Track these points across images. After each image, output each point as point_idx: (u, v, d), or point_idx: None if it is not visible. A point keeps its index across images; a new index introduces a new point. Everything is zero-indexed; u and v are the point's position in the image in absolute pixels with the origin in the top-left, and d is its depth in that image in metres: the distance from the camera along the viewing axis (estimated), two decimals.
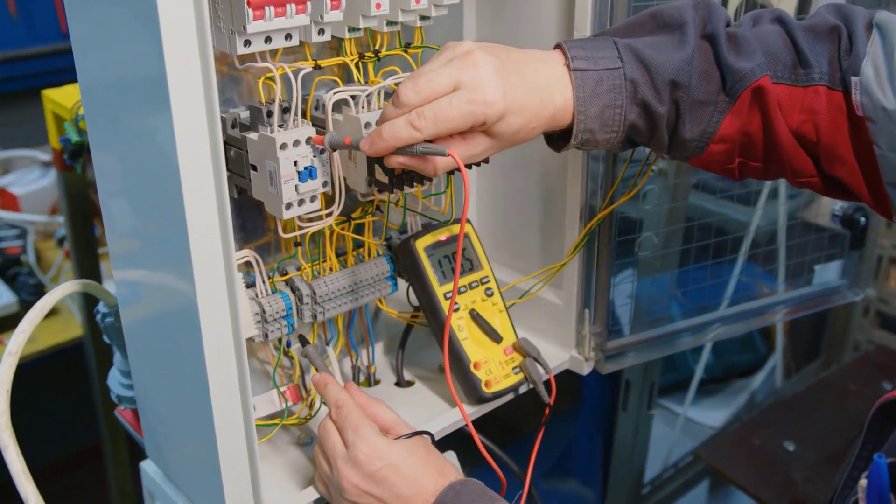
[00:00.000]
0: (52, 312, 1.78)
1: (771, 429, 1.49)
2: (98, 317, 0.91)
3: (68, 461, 2.18)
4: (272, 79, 0.73)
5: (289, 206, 0.74)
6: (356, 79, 0.81)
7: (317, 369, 0.83)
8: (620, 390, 1.58)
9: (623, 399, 1.57)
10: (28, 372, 1.71)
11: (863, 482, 0.52)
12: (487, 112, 0.66)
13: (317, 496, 0.79)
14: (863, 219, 1.18)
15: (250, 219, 0.84)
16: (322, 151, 0.75)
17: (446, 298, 0.88)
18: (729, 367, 2.17)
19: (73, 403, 1.95)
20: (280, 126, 0.74)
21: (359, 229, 0.89)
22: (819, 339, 2.16)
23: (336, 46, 0.82)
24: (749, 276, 1.29)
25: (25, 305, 1.71)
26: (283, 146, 0.72)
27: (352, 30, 0.79)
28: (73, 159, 1.11)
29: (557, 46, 0.73)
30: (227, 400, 0.68)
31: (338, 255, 0.88)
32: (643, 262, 1.17)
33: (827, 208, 1.22)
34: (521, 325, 0.99)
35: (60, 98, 1.24)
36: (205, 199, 0.62)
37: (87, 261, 1.49)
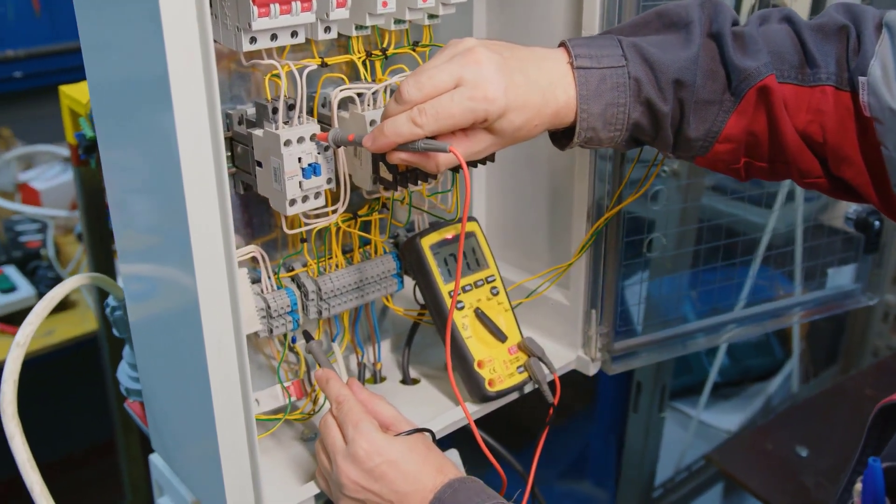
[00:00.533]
0: (70, 306, 1.80)
1: (784, 434, 1.47)
2: (107, 310, 0.92)
3: (85, 454, 2.21)
4: (278, 76, 0.74)
5: (293, 202, 0.74)
6: (363, 77, 0.82)
7: (320, 365, 0.84)
8: (631, 392, 1.57)
9: (634, 400, 1.57)
10: (46, 365, 1.74)
11: (858, 486, 0.51)
12: (489, 109, 0.66)
13: (317, 491, 0.79)
14: (877, 222, 1.17)
15: (257, 215, 0.85)
16: (326, 148, 0.75)
17: (451, 296, 0.88)
18: (745, 370, 2.16)
19: (90, 396, 1.97)
20: (285, 123, 0.74)
21: (366, 227, 0.89)
22: (837, 344, 2.14)
23: (345, 44, 0.83)
24: (761, 279, 1.28)
25: None
26: (287, 143, 0.72)
27: (359, 28, 0.79)
28: (88, 154, 1.12)
29: (562, 44, 0.73)
30: (228, 394, 0.68)
31: (344, 253, 0.89)
32: (655, 262, 1.16)
33: (841, 211, 1.21)
34: (528, 324, 0.99)
35: (76, 94, 1.26)
36: (206, 195, 0.62)
37: (102, 255, 1.50)
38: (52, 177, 2.11)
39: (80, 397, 2.01)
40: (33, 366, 1.73)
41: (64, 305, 1.78)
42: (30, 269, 1.84)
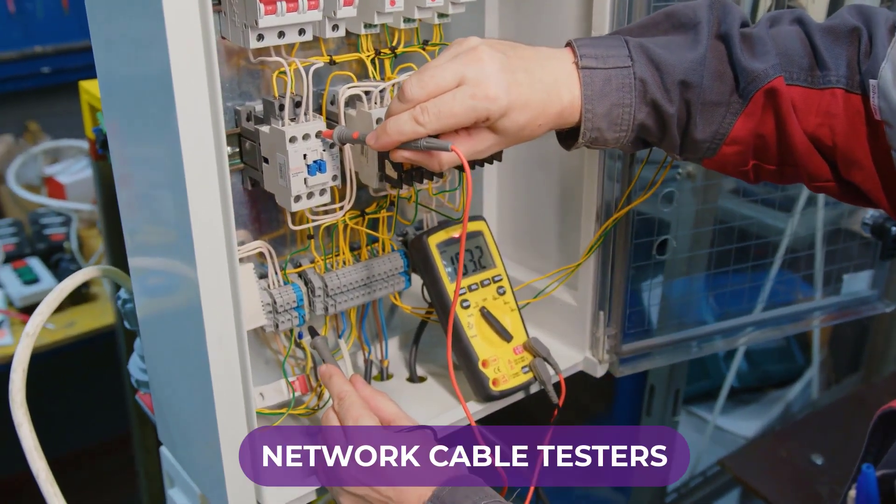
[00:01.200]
0: (91, 298, 1.83)
1: (800, 441, 1.45)
2: (119, 302, 0.94)
3: (104, 445, 2.24)
4: (285, 73, 0.74)
5: (297, 198, 0.75)
6: (371, 75, 0.82)
7: (324, 361, 0.84)
8: (644, 395, 1.56)
9: (647, 404, 1.56)
10: (67, 355, 1.77)
11: (852, 493, 0.51)
12: (490, 108, 0.66)
13: (318, 486, 0.80)
14: (894, 228, 1.14)
15: (265, 210, 0.85)
16: (332, 145, 0.76)
17: (458, 295, 0.88)
18: (765, 376, 2.14)
19: (110, 388, 2.00)
20: (292, 120, 0.75)
21: (373, 224, 0.90)
22: (860, 351, 2.11)
23: (355, 43, 0.83)
24: (777, 283, 1.26)
25: None
26: (293, 139, 0.73)
27: (367, 26, 0.80)
28: (105, 149, 1.14)
29: (568, 44, 0.72)
30: (228, 387, 0.69)
31: (352, 250, 0.89)
32: (669, 264, 1.15)
33: (860, 216, 1.19)
34: (536, 324, 0.99)
35: (96, 89, 1.28)
36: (208, 191, 0.63)
37: (119, 248, 1.52)
38: (78, 171, 2.14)
39: (101, 388, 2.05)
40: (55, 356, 1.76)
41: (85, 298, 1.82)
42: (53, 261, 1.87)
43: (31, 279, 1.78)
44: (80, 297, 1.80)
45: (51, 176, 2.13)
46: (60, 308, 1.82)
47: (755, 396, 2.16)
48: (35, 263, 1.85)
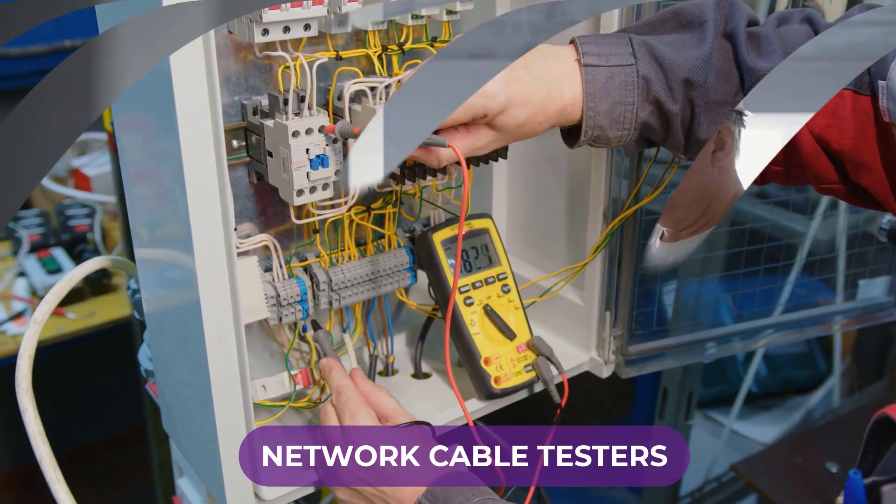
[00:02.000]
0: (112, 289, 1.86)
1: (816, 448, 1.43)
2: (129, 293, 0.95)
3: (123, 434, 2.27)
4: (290, 68, 0.75)
5: (300, 192, 0.75)
6: (378, 71, 0.82)
7: (326, 354, 0.85)
8: (658, 398, 1.55)
9: (660, 407, 1.54)
10: (88, 345, 1.79)
11: (839, 499, 0.50)
12: (488, 104, 0.66)
13: (316, 478, 0.80)
14: None
15: (272, 204, 0.86)
16: (335, 140, 0.76)
17: (461, 292, 0.89)
18: (785, 382, 2.11)
19: (129, 378, 2.03)
20: (296, 114, 0.75)
21: (380, 220, 0.90)
22: (884, 358, 2.07)
23: (363, 38, 0.83)
24: (789, 286, 1.25)
25: (88, 281, 1.80)
26: (296, 134, 0.73)
27: (374, 22, 0.80)
28: None
29: (572, 42, 0.72)
30: (226, 380, 0.70)
31: (358, 246, 0.89)
32: (680, 265, 1.14)
33: (878, 221, 1.17)
34: (542, 323, 0.99)
35: None
36: (206, 186, 0.64)
37: None
38: (103, 163, 2.17)
39: (121, 378, 2.08)
40: (76, 346, 1.78)
41: (106, 288, 1.84)
42: (77, 252, 1.90)
43: (54, 269, 1.81)
44: (101, 287, 1.83)
45: (77, 168, 2.17)
46: (81, 298, 1.85)
47: (776, 402, 2.13)
48: (59, 254, 1.88)
